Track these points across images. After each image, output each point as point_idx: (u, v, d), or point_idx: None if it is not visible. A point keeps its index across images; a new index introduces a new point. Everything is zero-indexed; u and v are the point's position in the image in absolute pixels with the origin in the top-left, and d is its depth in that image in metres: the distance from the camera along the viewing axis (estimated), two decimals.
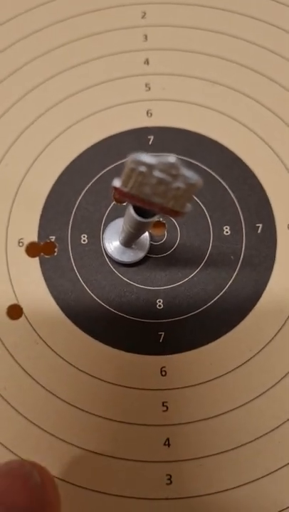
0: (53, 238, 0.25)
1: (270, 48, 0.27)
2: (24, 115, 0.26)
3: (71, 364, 0.23)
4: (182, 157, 0.25)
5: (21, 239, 0.25)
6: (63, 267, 0.24)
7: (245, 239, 0.24)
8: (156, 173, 0.14)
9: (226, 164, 0.25)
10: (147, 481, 0.22)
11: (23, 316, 0.24)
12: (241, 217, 0.25)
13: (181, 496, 0.22)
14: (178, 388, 0.23)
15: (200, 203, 0.25)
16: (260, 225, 0.25)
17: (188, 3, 0.28)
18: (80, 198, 0.25)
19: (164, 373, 0.23)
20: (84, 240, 0.25)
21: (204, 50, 0.27)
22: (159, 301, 0.24)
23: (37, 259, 0.24)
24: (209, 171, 0.25)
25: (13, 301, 0.24)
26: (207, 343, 0.23)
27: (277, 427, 0.22)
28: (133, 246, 0.24)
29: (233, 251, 0.24)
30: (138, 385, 0.23)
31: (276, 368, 0.23)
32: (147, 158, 0.14)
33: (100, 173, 0.25)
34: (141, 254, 0.24)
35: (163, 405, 0.23)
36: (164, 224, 0.25)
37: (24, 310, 0.24)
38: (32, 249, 0.25)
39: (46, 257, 0.24)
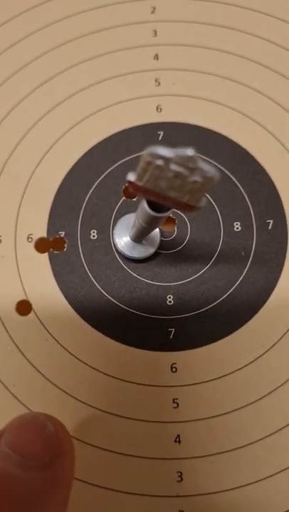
0: (62, 234, 0.24)
1: (282, 44, 0.27)
2: (34, 110, 0.26)
3: (81, 360, 0.23)
4: None
5: (30, 234, 0.25)
6: (73, 262, 0.24)
7: (255, 235, 0.24)
8: (173, 167, 0.14)
9: (236, 160, 0.25)
10: (158, 478, 0.22)
11: (32, 312, 0.24)
12: (252, 213, 0.25)
13: (192, 494, 0.22)
14: (188, 385, 0.23)
15: (210, 199, 0.25)
16: (271, 221, 0.24)
17: None
18: (89, 194, 0.25)
19: (174, 370, 0.23)
20: (93, 236, 0.24)
21: (214, 46, 0.27)
22: (170, 297, 0.24)
23: (46, 254, 0.24)
24: (219, 166, 0.25)
25: (23, 297, 0.24)
26: (218, 339, 0.23)
27: (288, 424, 0.22)
28: (143, 242, 0.24)
29: (243, 247, 0.24)
30: (148, 381, 0.23)
31: (288, 364, 0.23)
32: (165, 151, 0.13)
33: (110, 169, 0.25)
34: (151, 250, 0.24)
35: (173, 402, 0.23)
36: (174, 220, 0.25)
37: (33, 306, 0.24)
38: (41, 245, 0.24)
39: (55, 252, 0.24)
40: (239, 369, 0.23)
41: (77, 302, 0.24)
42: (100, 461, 0.22)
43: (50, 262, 0.24)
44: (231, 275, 0.24)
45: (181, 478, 0.22)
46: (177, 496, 0.22)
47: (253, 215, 0.24)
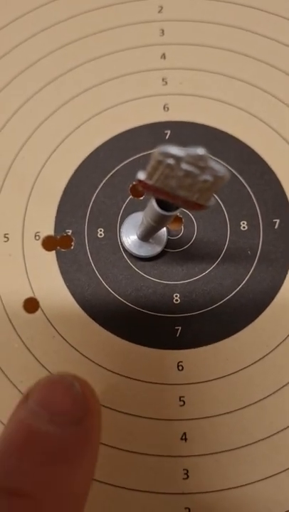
0: (69, 232, 0.25)
1: None
2: (40, 110, 0.26)
3: (87, 358, 0.23)
4: None
5: (38, 232, 0.25)
6: (80, 260, 0.24)
7: (262, 234, 0.24)
8: (184, 166, 0.14)
9: (242, 159, 0.25)
10: (164, 475, 0.22)
11: (39, 309, 0.24)
12: (258, 212, 0.25)
13: (198, 491, 0.22)
14: (195, 383, 0.23)
15: (217, 198, 0.25)
16: (278, 221, 0.25)
17: None
18: (96, 192, 0.25)
19: (180, 368, 0.23)
20: (100, 234, 0.25)
21: (221, 45, 0.27)
22: (176, 296, 0.24)
23: (53, 252, 0.24)
24: (226, 165, 0.25)
25: (30, 295, 0.24)
26: (224, 338, 0.23)
27: None
28: (150, 240, 0.24)
29: (250, 246, 0.24)
30: (155, 379, 0.23)
31: None
32: (175, 150, 0.13)
33: (117, 167, 0.25)
34: (158, 249, 0.24)
35: (180, 400, 0.23)
36: (180, 219, 0.25)
37: (40, 303, 0.24)
38: (48, 243, 0.25)
39: (63, 250, 0.24)
40: (245, 368, 0.23)
41: (84, 300, 0.24)
42: (106, 458, 0.22)
43: (58, 260, 0.24)
44: (238, 274, 0.24)
45: (187, 476, 0.22)
46: (183, 494, 0.22)
47: (259, 215, 0.25)
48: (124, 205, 0.25)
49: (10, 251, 0.24)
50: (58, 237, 0.25)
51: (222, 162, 0.25)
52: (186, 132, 0.26)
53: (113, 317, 0.23)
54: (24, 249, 0.24)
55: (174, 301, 0.24)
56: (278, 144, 0.26)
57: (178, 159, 0.14)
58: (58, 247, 0.25)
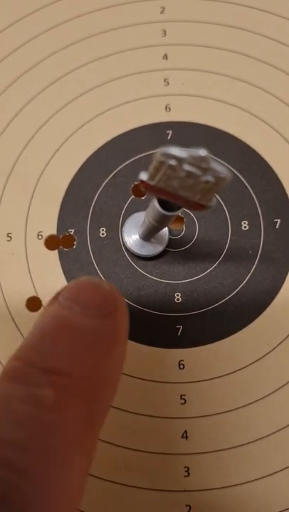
0: (71, 231, 0.25)
1: None
2: (43, 110, 0.26)
3: None
4: None
5: (40, 232, 0.25)
6: (82, 260, 0.24)
7: (263, 234, 0.25)
8: (186, 167, 0.14)
9: (244, 159, 0.26)
10: (165, 472, 0.22)
11: (42, 308, 0.24)
12: (259, 212, 0.25)
13: (199, 489, 0.22)
14: (196, 381, 0.23)
15: (218, 198, 0.25)
16: (279, 220, 0.25)
17: None
18: (98, 192, 0.25)
19: (182, 366, 0.23)
20: (103, 234, 0.25)
21: (223, 46, 0.27)
22: (178, 295, 0.24)
23: (56, 252, 0.25)
24: (227, 165, 0.25)
25: (33, 294, 0.24)
26: (225, 336, 0.23)
27: None
28: (152, 240, 0.24)
29: (251, 246, 0.24)
30: (156, 377, 0.23)
31: None
32: (177, 151, 0.14)
33: (119, 167, 0.26)
34: (160, 248, 0.24)
35: (181, 398, 0.23)
36: (182, 218, 0.25)
37: (43, 302, 0.24)
38: (51, 242, 0.25)
39: (65, 250, 0.25)
40: (246, 366, 0.23)
41: None
42: (108, 455, 0.22)
43: (60, 259, 0.24)
44: (239, 273, 0.24)
45: (188, 474, 0.22)
46: (184, 491, 0.22)
47: (260, 214, 0.25)
48: (126, 205, 0.25)
49: (13, 250, 0.25)
50: (61, 236, 0.25)
51: (223, 162, 0.25)
52: (188, 132, 0.26)
53: None
54: (27, 248, 0.25)
55: (176, 300, 0.24)
56: (279, 144, 0.26)
57: (180, 160, 0.14)
58: (61, 247, 0.25)
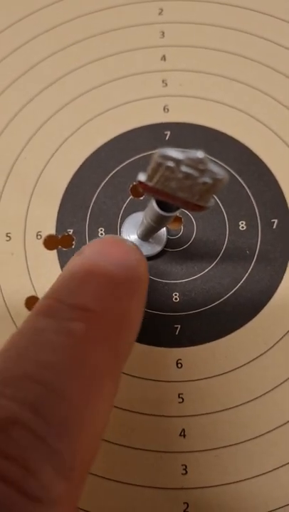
0: (70, 231, 0.25)
1: (288, 45, 0.27)
2: (42, 111, 0.27)
3: None
4: None
5: (39, 232, 0.25)
6: None
7: (260, 234, 0.25)
8: (184, 168, 0.14)
9: (241, 160, 0.26)
10: (163, 470, 0.22)
11: None
12: (257, 212, 0.25)
13: (197, 486, 0.22)
14: (193, 380, 0.23)
15: (216, 198, 0.25)
16: (276, 221, 0.25)
17: (206, 0, 0.28)
18: (97, 192, 0.25)
19: (180, 365, 0.23)
20: (101, 234, 0.25)
21: (221, 47, 0.27)
22: (175, 295, 0.24)
23: (55, 251, 0.25)
24: (225, 166, 0.25)
25: (32, 293, 0.24)
26: (222, 336, 0.24)
27: None
28: (150, 240, 0.24)
29: (248, 246, 0.25)
30: (154, 376, 0.23)
31: None
32: (175, 153, 0.14)
33: (117, 168, 0.26)
34: (158, 248, 0.24)
35: (179, 397, 0.23)
36: (180, 218, 0.25)
37: None
38: (50, 242, 0.25)
39: (64, 249, 0.25)
40: (243, 365, 0.23)
41: None
42: (106, 453, 0.22)
43: (59, 259, 0.25)
44: (236, 273, 0.24)
45: (186, 471, 0.22)
46: (182, 489, 0.22)
47: (258, 215, 0.25)
48: (124, 205, 0.25)
49: (12, 250, 0.25)
50: (60, 236, 0.25)
51: (221, 163, 0.25)
52: (186, 133, 0.26)
53: None
54: (26, 248, 0.25)
55: (174, 299, 0.24)
56: (277, 146, 0.26)
57: (177, 162, 0.14)
58: (60, 247, 0.25)
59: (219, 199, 0.25)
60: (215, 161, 0.25)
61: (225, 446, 0.22)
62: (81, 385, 0.14)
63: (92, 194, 0.25)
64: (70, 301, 0.15)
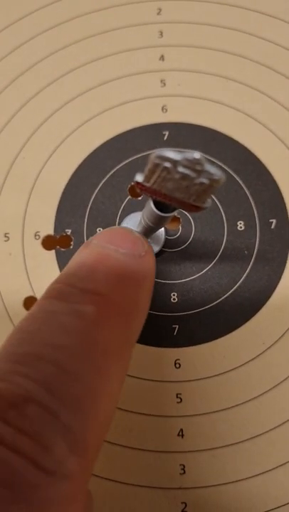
0: (68, 231, 0.25)
1: (286, 45, 0.27)
2: (40, 111, 0.27)
3: None
4: None
5: (38, 232, 0.25)
6: None
7: (259, 234, 0.25)
8: (181, 169, 0.14)
9: (240, 160, 0.26)
10: (161, 470, 0.22)
11: None
12: (255, 212, 0.25)
13: (194, 486, 0.22)
14: (192, 380, 0.23)
15: (214, 199, 0.25)
16: (274, 221, 0.25)
17: (204, 0, 0.28)
18: (95, 192, 0.25)
19: (178, 365, 0.23)
20: None
21: (220, 47, 0.27)
22: (174, 295, 0.24)
23: (53, 252, 0.25)
24: (223, 166, 0.25)
25: (30, 294, 0.24)
26: (221, 336, 0.24)
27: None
28: (148, 240, 0.24)
29: (246, 246, 0.25)
30: (152, 376, 0.23)
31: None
32: (172, 154, 0.14)
33: (116, 168, 0.26)
34: (156, 248, 0.24)
35: (177, 397, 0.23)
36: (178, 219, 0.25)
37: None
38: (48, 242, 0.25)
39: (62, 250, 0.25)
40: (241, 365, 0.23)
41: None
42: (104, 454, 0.22)
43: (57, 259, 0.25)
44: (234, 273, 0.24)
45: (184, 471, 0.22)
46: (180, 488, 0.22)
47: (256, 215, 0.25)
48: (122, 205, 0.25)
49: (10, 250, 0.25)
50: (58, 236, 0.25)
51: (219, 163, 0.25)
52: (184, 133, 0.26)
53: None
54: (24, 248, 0.25)
55: (172, 299, 0.24)
56: (275, 146, 0.26)
57: (174, 163, 0.14)
58: (58, 247, 0.25)
59: (217, 199, 0.25)
60: (213, 161, 0.25)
61: (223, 446, 0.22)
62: (92, 366, 0.14)
63: (91, 194, 0.25)
64: (81, 285, 0.16)
